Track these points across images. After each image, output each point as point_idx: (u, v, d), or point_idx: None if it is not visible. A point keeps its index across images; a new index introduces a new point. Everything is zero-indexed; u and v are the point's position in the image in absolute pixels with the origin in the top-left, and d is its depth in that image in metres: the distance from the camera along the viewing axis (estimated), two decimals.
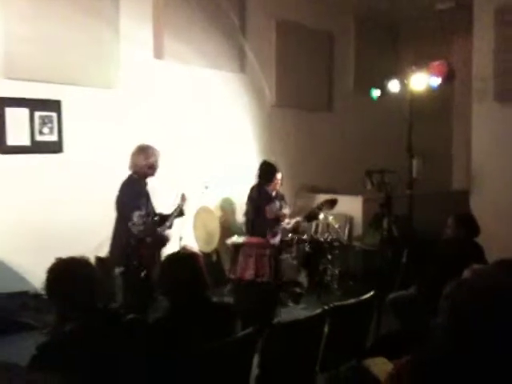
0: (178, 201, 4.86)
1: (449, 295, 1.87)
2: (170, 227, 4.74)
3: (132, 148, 4.70)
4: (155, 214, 4.68)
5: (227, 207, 6.60)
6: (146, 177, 4.63)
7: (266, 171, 5.64)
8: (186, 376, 2.38)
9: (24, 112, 5.25)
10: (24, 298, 5.07)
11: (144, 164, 4.56)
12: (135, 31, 5.96)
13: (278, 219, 5.74)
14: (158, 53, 6.19)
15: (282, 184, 6.14)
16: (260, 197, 5.49)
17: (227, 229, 6.25)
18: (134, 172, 4.59)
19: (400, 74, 5.87)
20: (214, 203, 6.47)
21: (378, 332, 4.26)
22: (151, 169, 4.61)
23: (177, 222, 5.19)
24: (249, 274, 5.08)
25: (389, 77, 5.89)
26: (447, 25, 8.27)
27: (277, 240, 5.45)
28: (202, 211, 6.15)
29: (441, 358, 1.76)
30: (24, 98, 5.22)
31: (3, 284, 5.02)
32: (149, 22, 6.12)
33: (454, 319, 1.81)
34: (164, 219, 4.71)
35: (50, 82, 5.33)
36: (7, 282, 5.08)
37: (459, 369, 1.72)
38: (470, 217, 4.39)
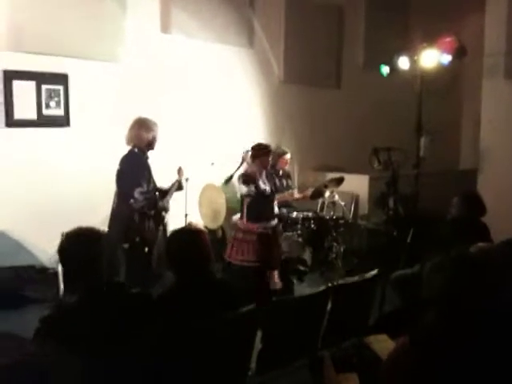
0: (176, 176, 4.85)
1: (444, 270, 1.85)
2: (168, 202, 4.68)
3: None
4: (156, 189, 4.62)
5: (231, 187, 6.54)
6: (147, 150, 4.53)
7: None
8: (190, 349, 2.41)
9: (31, 85, 5.23)
10: (30, 272, 5.12)
11: (146, 137, 4.45)
12: (142, 4, 5.90)
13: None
14: (165, 26, 6.13)
15: (288, 163, 6.18)
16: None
17: (232, 207, 6.25)
18: (135, 146, 4.47)
19: (410, 49, 5.79)
20: (220, 180, 6.46)
21: (382, 310, 4.28)
22: (153, 142, 4.51)
23: (182, 198, 5.21)
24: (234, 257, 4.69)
25: (398, 53, 5.81)
26: None
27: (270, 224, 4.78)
28: (208, 188, 6.15)
29: (435, 338, 1.76)
30: (31, 71, 5.20)
31: (9, 258, 5.05)
32: None
33: (450, 296, 1.80)
34: (164, 194, 4.67)
35: (56, 54, 5.29)
36: (13, 256, 5.12)
37: (454, 347, 1.72)
38: (476, 196, 4.35)
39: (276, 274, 4.68)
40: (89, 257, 2.31)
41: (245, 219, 4.67)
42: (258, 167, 4.56)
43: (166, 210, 4.68)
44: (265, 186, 4.61)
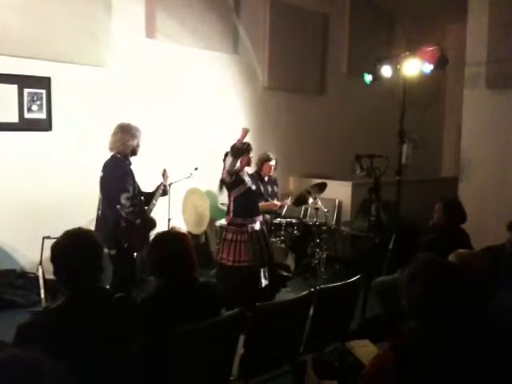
0: (161, 179, 4.78)
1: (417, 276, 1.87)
2: (153, 207, 4.60)
3: None
4: (141, 194, 4.52)
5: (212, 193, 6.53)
6: (130, 156, 4.42)
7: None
8: (173, 354, 2.40)
9: (13, 88, 5.18)
10: (10, 276, 5.07)
11: (130, 144, 4.34)
12: (127, 9, 5.89)
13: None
14: (150, 32, 6.12)
15: (276, 169, 6.19)
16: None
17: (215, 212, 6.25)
18: (118, 152, 4.36)
19: (393, 58, 5.84)
20: (204, 185, 6.45)
21: (364, 315, 4.31)
22: (136, 148, 4.41)
23: (165, 203, 5.19)
24: (227, 259, 4.76)
25: (381, 61, 5.86)
26: (442, 9, 8.24)
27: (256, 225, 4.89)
28: (192, 193, 6.14)
29: (416, 347, 1.77)
30: (13, 74, 5.15)
31: None
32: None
33: (429, 304, 1.81)
34: (149, 198, 4.59)
35: (40, 58, 5.26)
36: None
37: (435, 355, 1.73)
38: (458, 203, 4.40)
39: (263, 271, 4.73)
40: (90, 257, 2.28)
41: (231, 215, 4.80)
42: (241, 165, 4.73)
43: (155, 222, 4.64)
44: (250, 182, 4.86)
